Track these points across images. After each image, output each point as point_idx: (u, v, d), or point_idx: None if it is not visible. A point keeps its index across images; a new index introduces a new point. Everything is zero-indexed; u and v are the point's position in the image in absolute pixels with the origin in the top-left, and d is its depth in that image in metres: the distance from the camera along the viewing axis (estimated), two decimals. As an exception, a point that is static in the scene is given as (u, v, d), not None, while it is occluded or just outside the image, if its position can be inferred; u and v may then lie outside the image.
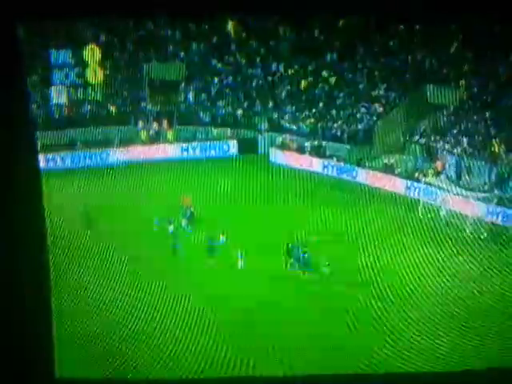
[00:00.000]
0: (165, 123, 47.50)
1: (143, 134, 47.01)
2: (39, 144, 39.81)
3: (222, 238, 35.08)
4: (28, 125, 14.61)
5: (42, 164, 38.06)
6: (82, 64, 46.64)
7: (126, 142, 45.93)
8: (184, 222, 37.17)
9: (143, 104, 48.33)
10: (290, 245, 34.17)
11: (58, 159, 43.54)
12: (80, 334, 27.82)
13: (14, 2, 13.59)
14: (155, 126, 47.50)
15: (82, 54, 46.57)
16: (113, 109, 47.57)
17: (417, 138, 44.71)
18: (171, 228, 36.02)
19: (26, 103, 14.52)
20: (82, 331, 28.05)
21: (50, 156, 42.74)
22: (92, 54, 46.63)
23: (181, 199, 38.25)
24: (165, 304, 30.12)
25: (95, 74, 46.78)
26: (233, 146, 47.25)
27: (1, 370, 15.65)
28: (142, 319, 29.20)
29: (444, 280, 31.95)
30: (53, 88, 46.37)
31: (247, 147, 46.87)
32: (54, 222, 33.05)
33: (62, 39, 46.03)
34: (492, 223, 37.58)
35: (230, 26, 49.76)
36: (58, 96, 46.31)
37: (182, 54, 49.68)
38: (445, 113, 44.99)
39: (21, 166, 14.15)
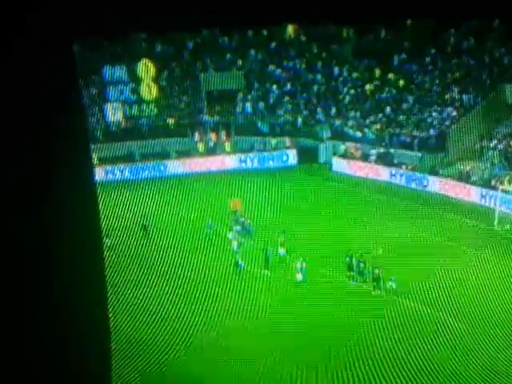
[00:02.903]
0: (222, 134, 47.14)
1: (200, 146, 46.66)
2: (98, 157, 41.87)
3: (281, 250, 33.48)
4: (84, 141, 12.75)
5: (101, 176, 41.06)
6: (137, 78, 46.73)
7: (183, 153, 45.76)
8: (237, 234, 35.71)
9: (201, 115, 48.07)
10: (353, 258, 32.37)
11: (117, 171, 43.67)
12: (136, 347, 26.71)
13: (70, 20, 12.25)
14: (213, 137, 47.12)
15: (137, 68, 46.73)
16: (170, 121, 47.29)
17: (495, 142, 42.64)
18: (234, 245, 34.74)
19: (82, 120, 12.92)
20: (138, 344, 26.94)
21: (109, 168, 43.07)
22: (147, 66, 46.62)
23: (230, 204, 37.66)
24: (220, 316, 28.97)
25: (151, 86, 46.70)
26: (292, 156, 46.49)
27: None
28: (199, 330, 27.94)
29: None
30: (108, 105, 46.60)
31: (308, 157, 46.14)
32: (112, 233, 32.99)
33: (116, 54, 46.44)
34: None
35: (289, 29, 49.29)
36: (114, 112, 46.46)
37: (240, 61, 49.37)
38: (526, 114, 43.13)
39: (77, 180, 12.23)
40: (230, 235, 35.34)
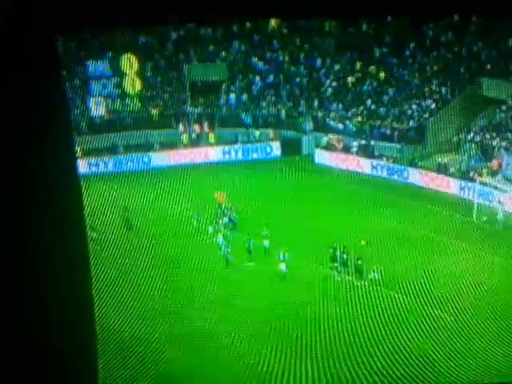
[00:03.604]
0: (206, 126, 46.78)
1: (184, 138, 46.31)
2: (82, 149, 41.84)
3: (265, 241, 33.82)
4: (67, 134, 13.81)
5: (85, 169, 40.79)
6: (121, 72, 46.33)
7: (167, 145, 45.44)
8: (224, 225, 36.17)
9: (184, 107, 47.62)
10: (335, 249, 32.77)
11: (101, 163, 43.47)
12: (122, 340, 27.07)
13: (51, 14, 12.87)
14: (196, 128, 46.78)
15: (120, 63, 46.26)
16: (154, 112, 46.96)
17: (472, 135, 42.88)
18: (219, 237, 35.00)
19: (64, 114, 13.77)
20: (124, 337, 27.30)
21: (93, 161, 42.83)
22: (130, 60, 46.21)
23: (215, 196, 37.75)
24: (208, 308, 29.38)
25: (134, 80, 46.37)
26: (276, 148, 46.25)
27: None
28: (187, 322, 28.49)
29: (499, 285, 30.25)
30: (91, 99, 46.23)
31: (291, 149, 45.76)
32: (97, 226, 33.33)
33: (100, 48, 45.98)
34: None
35: (272, 22, 48.77)
36: (97, 107, 46.13)
37: (223, 53, 48.96)
38: (502, 108, 43.30)
39: (61, 174, 13.09)
40: (210, 229, 35.56)
